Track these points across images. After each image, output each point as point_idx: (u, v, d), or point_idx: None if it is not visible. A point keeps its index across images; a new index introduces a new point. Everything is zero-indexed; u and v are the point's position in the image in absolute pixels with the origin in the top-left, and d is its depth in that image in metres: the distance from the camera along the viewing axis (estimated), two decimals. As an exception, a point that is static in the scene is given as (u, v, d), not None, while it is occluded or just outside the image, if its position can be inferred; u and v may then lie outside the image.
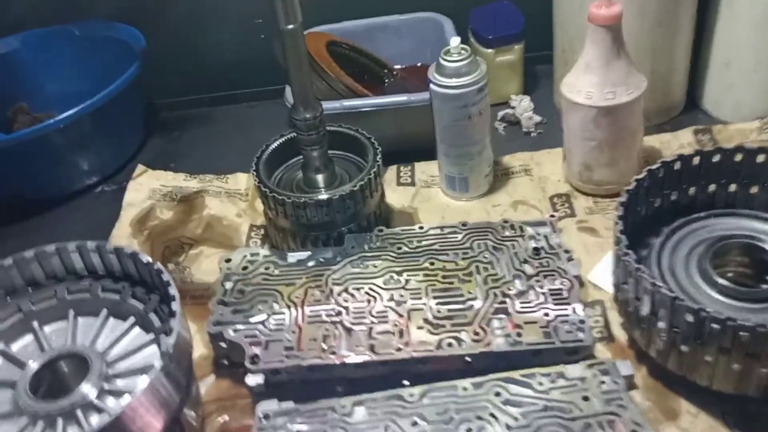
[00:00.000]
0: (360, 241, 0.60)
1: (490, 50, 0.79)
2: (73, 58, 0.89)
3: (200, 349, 0.56)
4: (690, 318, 0.42)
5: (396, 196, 0.71)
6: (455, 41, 0.62)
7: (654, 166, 0.53)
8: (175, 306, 0.46)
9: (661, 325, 0.45)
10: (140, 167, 0.76)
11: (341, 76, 0.74)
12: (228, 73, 0.92)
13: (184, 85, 0.93)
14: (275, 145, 0.66)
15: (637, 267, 0.45)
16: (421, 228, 0.61)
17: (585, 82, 0.61)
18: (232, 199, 0.73)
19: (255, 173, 0.62)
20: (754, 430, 0.46)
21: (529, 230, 0.60)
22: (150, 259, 0.50)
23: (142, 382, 0.41)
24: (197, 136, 0.88)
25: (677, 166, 0.54)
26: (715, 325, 0.42)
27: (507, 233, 0.60)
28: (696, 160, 0.54)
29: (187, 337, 0.48)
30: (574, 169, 0.66)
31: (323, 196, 0.59)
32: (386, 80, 0.86)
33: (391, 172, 0.74)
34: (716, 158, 0.54)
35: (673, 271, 0.51)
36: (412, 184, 0.73)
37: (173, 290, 0.47)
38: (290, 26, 0.55)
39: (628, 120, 0.61)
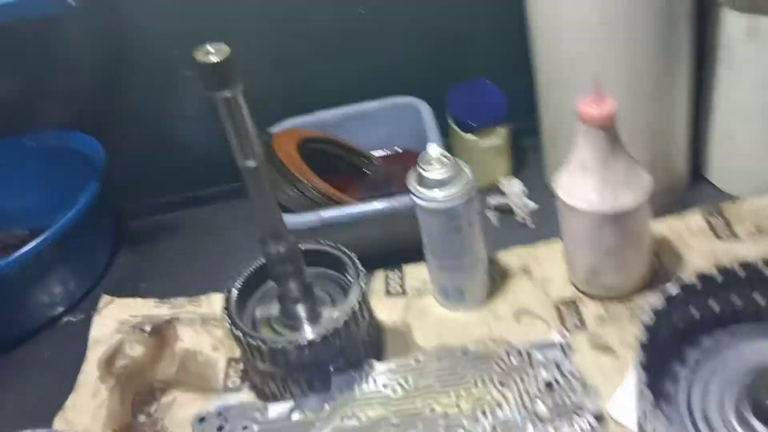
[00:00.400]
0: (349, 383, 0.54)
1: (472, 136, 0.74)
2: (29, 172, 0.84)
3: None
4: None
5: (386, 310, 0.65)
6: (434, 150, 0.57)
7: (672, 292, 0.47)
8: None
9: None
10: (105, 298, 0.70)
11: (316, 182, 0.68)
12: (197, 172, 0.86)
13: (151, 189, 0.87)
14: (246, 274, 0.60)
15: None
16: (417, 361, 0.55)
17: (582, 185, 0.55)
18: (207, 327, 0.66)
19: (226, 315, 0.56)
20: None
21: (538, 356, 0.54)
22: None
23: None
24: (169, 247, 0.82)
25: (698, 285, 0.47)
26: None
27: (513, 361, 0.54)
28: (718, 277, 0.48)
29: None
30: (579, 273, 0.60)
31: (304, 339, 0.53)
32: (368, 171, 0.81)
33: (379, 279, 0.68)
34: (741, 273, 0.48)
35: (707, 417, 0.44)
36: (403, 293, 0.66)
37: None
38: (250, 163, 0.49)
39: (636, 223, 0.55)
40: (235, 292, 0.58)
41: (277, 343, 0.53)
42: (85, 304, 0.75)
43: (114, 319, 0.68)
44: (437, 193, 0.56)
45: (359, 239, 0.67)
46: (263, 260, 0.59)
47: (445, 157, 0.57)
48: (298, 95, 0.81)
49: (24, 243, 0.70)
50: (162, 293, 0.72)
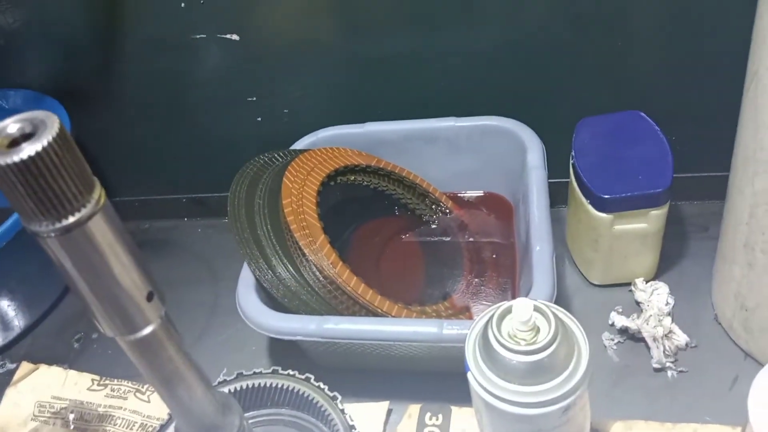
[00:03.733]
0: None
1: (604, 215, 0.45)
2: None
3: None
4: None
5: (407, 490, 0.41)
6: (523, 309, 0.29)
7: None
8: None
9: None
10: (25, 365, 0.50)
11: (324, 266, 0.42)
12: (209, 164, 0.63)
13: (132, 183, 0.65)
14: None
15: None
16: None
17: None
18: (146, 445, 0.45)
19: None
20: None
21: None
22: None
23: None
24: (162, 265, 0.61)
25: None
26: None
27: None
28: None
29: None
30: None
31: None
32: (432, 219, 0.55)
33: (406, 423, 0.44)
34: None
35: None
36: (440, 462, 0.42)
37: None
38: (144, 331, 0.25)
39: None
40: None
41: None
42: (20, 348, 0.55)
43: (32, 399, 0.48)
44: (517, 388, 0.30)
45: (382, 357, 0.43)
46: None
47: (543, 316, 0.30)
48: (346, 99, 0.54)
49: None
50: (114, 354, 0.52)
